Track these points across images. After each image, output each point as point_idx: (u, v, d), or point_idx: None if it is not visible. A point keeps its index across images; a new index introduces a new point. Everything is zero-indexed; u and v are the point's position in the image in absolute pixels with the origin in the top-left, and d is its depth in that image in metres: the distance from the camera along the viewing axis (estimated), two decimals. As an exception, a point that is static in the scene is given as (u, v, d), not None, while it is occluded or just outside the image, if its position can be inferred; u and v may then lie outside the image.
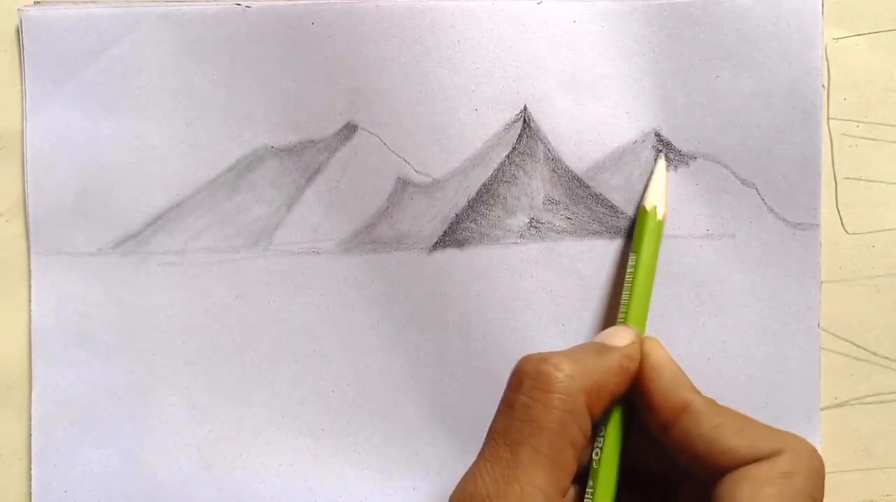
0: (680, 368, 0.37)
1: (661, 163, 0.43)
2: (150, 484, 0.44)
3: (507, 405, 0.35)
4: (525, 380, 0.35)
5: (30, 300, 0.44)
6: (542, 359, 0.35)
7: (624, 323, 0.41)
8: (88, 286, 0.44)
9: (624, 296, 0.41)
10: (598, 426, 0.37)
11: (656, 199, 0.43)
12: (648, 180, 0.44)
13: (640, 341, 0.38)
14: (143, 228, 0.44)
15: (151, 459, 0.44)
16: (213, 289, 0.44)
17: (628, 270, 0.42)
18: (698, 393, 0.36)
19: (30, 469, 0.44)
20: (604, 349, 0.37)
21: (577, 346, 0.37)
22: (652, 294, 0.42)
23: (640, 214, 0.43)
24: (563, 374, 0.34)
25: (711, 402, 0.36)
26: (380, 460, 0.44)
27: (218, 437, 0.44)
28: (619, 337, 0.37)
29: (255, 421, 0.44)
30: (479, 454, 0.35)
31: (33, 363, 0.44)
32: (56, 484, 0.44)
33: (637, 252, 0.42)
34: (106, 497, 0.44)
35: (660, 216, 0.42)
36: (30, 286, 0.44)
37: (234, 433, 0.44)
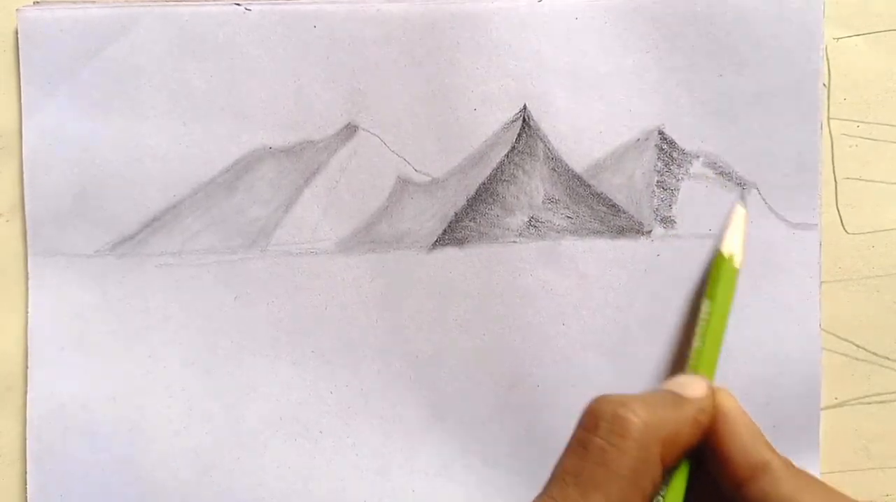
0: (755, 423, 0.36)
1: (741, 209, 0.43)
2: (147, 488, 0.44)
3: (580, 445, 0.34)
4: (601, 423, 0.34)
5: (26, 302, 0.44)
6: (621, 402, 0.34)
7: (695, 371, 0.40)
8: (85, 288, 0.44)
9: (696, 343, 0.41)
10: (664, 479, 0.36)
11: (735, 247, 0.42)
12: (726, 225, 0.43)
13: (713, 393, 0.37)
14: (140, 229, 0.44)
15: (149, 463, 0.44)
16: (210, 291, 0.44)
17: (702, 316, 0.42)
18: (776, 452, 0.35)
19: (26, 472, 0.44)
20: (679, 400, 0.36)
21: (652, 393, 0.36)
22: (723, 342, 0.41)
23: (716, 259, 0.43)
24: (642, 422, 0.33)
25: (790, 463, 0.35)
26: (379, 462, 0.44)
27: (215, 440, 0.44)
28: (693, 387, 0.36)
29: (253, 423, 0.44)
30: (545, 490, 0.34)
31: (29, 366, 0.44)
32: (52, 488, 0.44)
33: (713, 299, 0.41)
34: (103, 501, 0.44)
35: (737, 264, 0.42)
36: (27, 287, 0.44)
37: (231, 436, 0.44)
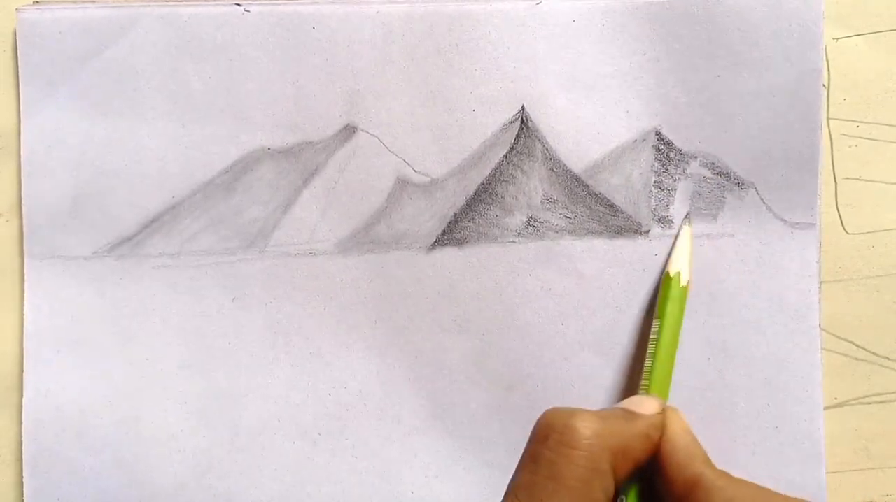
0: (695, 440, 0.37)
1: (686, 228, 0.44)
2: (144, 491, 0.44)
3: (531, 459, 0.34)
4: (551, 435, 0.34)
5: (23, 303, 0.44)
6: (571, 414, 0.34)
7: (647, 391, 0.40)
8: (82, 290, 0.44)
9: (647, 364, 0.41)
10: (618, 494, 0.36)
11: (681, 265, 0.43)
12: (673, 244, 0.44)
13: (664, 411, 0.37)
14: (138, 231, 0.44)
15: (146, 465, 0.44)
16: (208, 292, 0.44)
17: (651, 337, 0.42)
18: (712, 466, 0.36)
19: (23, 474, 0.44)
20: (631, 415, 0.36)
21: (604, 409, 0.37)
22: (675, 361, 0.41)
23: (663, 280, 0.43)
24: (591, 432, 0.34)
25: (725, 475, 0.35)
26: (378, 463, 0.44)
27: (213, 442, 0.44)
28: (645, 405, 0.37)
29: (251, 425, 0.44)
30: None
31: (25, 368, 0.44)
32: (49, 492, 0.44)
33: (661, 318, 0.42)
34: (100, 503, 0.44)
35: (683, 282, 0.42)
36: (23, 290, 0.44)
37: (229, 438, 0.44)
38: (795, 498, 0.35)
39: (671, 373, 0.41)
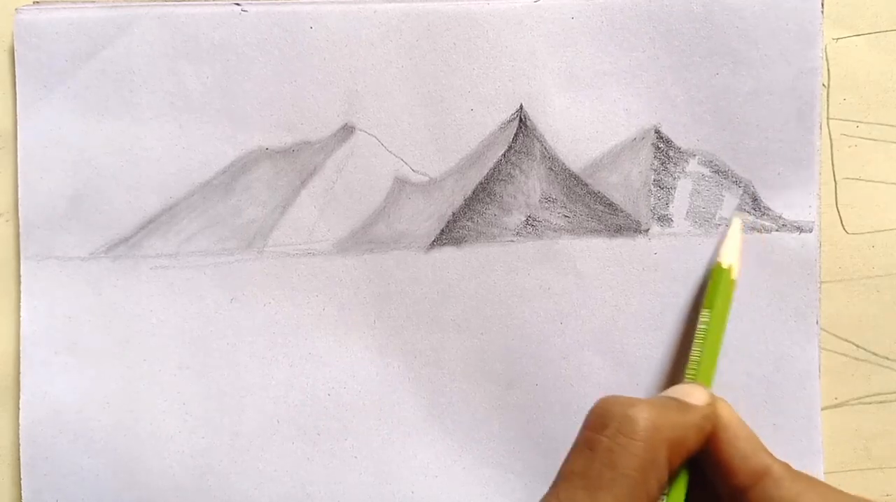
0: (753, 432, 0.37)
1: (738, 221, 0.44)
2: (143, 493, 0.44)
3: (587, 446, 0.34)
4: (610, 423, 0.34)
5: (19, 304, 0.44)
6: (630, 403, 0.34)
7: (694, 380, 0.40)
8: (79, 291, 0.44)
9: (695, 353, 0.41)
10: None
11: (733, 258, 0.43)
12: (723, 236, 0.44)
13: (714, 401, 0.37)
14: (135, 232, 0.44)
15: (144, 467, 0.44)
16: (206, 293, 0.44)
17: (700, 326, 0.42)
18: (775, 457, 0.36)
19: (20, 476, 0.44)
20: (684, 406, 0.36)
21: (657, 398, 0.37)
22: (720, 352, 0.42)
23: (714, 270, 0.43)
24: (650, 423, 0.34)
25: (789, 468, 0.35)
26: (377, 463, 0.44)
27: (212, 443, 0.44)
28: (696, 395, 0.37)
29: (250, 426, 0.44)
30: (552, 491, 0.34)
31: (22, 370, 0.44)
32: (47, 494, 0.44)
33: (711, 308, 0.42)
34: (98, 504, 0.44)
35: (735, 275, 0.42)
36: (20, 291, 0.44)
37: (228, 439, 0.44)
38: (863, 498, 0.35)
39: (716, 363, 0.41)
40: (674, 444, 0.34)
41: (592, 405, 0.35)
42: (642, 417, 0.34)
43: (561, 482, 0.34)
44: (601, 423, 0.34)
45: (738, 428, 0.36)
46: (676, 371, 0.44)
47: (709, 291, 0.42)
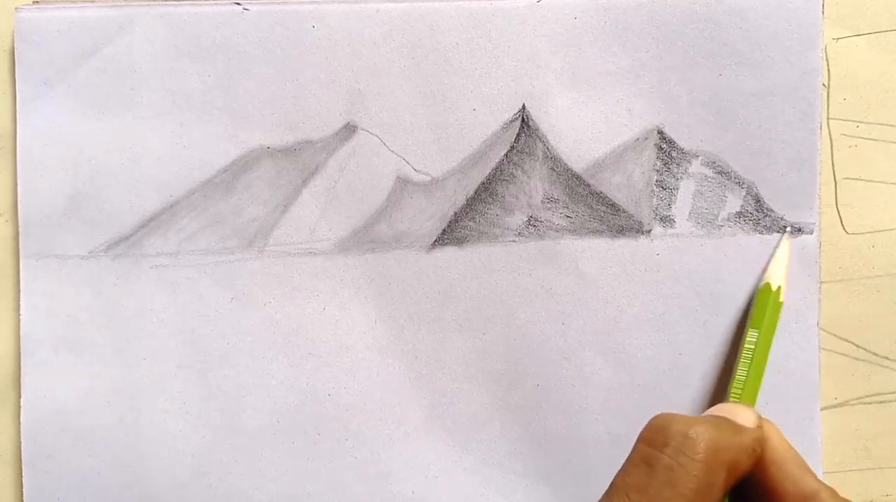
0: (800, 454, 0.36)
1: (787, 242, 0.44)
2: (143, 492, 0.44)
3: (645, 462, 0.33)
4: (671, 441, 0.33)
5: (19, 303, 0.44)
6: (690, 422, 0.34)
7: (739, 400, 0.41)
8: (79, 290, 0.44)
9: (741, 373, 0.41)
10: None
11: (782, 279, 0.43)
12: (772, 256, 0.44)
13: (763, 424, 0.37)
14: (135, 230, 0.44)
15: (145, 466, 0.44)
16: (206, 292, 0.44)
17: (747, 346, 0.42)
18: (822, 481, 0.36)
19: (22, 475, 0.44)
20: (738, 427, 0.36)
21: (711, 418, 0.36)
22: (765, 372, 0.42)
23: (762, 290, 0.43)
24: (710, 444, 0.33)
25: (835, 493, 0.35)
26: (377, 463, 0.44)
27: (212, 443, 0.44)
28: (746, 416, 0.36)
29: (251, 425, 0.44)
30: (606, 501, 0.33)
31: (23, 369, 0.43)
32: (48, 493, 0.44)
33: (758, 329, 0.42)
34: (99, 503, 0.44)
35: (783, 297, 0.43)
36: (19, 289, 0.44)
37: (228, 438, 0.44)
38: None
39: (761, 383, 0.41)
40: (730, 467, 0.34)
41: (650, 420, 0.35)
42: (704, 438, 0.33)
43: (616, 494, 0.33)
44: (661, 440, 0.33)
45: (786, 452, 0.36)
46: (719, 388, 0.44)
47: (756, 311, 0.43)
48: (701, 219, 0.44)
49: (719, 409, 0.37)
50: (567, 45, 0.43)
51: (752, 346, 0.42)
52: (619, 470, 0.34)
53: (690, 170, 0.44)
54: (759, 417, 0.37)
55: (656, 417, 0.34)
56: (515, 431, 0.44)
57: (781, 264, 0.43)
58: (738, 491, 0.36)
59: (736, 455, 0.34)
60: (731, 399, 0.41)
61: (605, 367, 0.44)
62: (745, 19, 0.43)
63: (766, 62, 0.43)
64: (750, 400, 0.41)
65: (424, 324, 0.44)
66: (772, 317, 0.42)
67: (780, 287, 0.43)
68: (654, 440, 0.34)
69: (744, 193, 0.44)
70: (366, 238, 0.44)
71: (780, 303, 0.43)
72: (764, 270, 0.44)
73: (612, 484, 0.34)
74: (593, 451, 0.44)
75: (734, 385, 0.41)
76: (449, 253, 0.44)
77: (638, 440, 0.34)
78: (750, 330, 0.42)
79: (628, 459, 0.34)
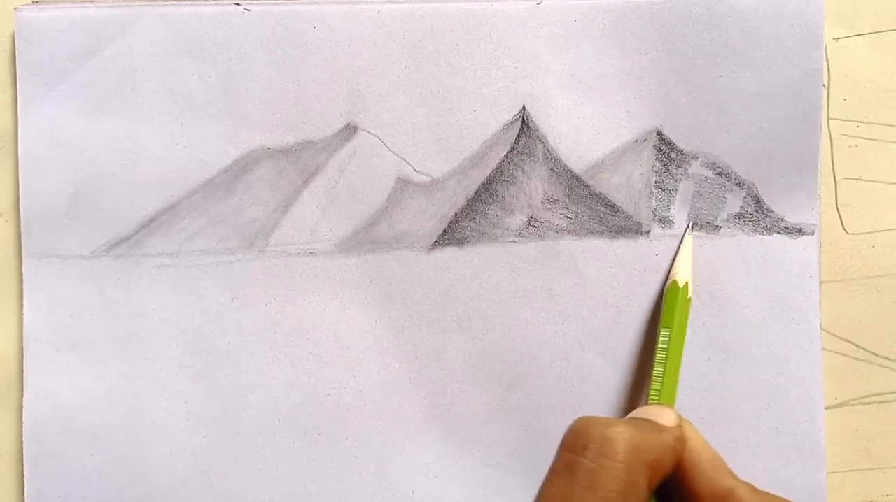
0: (717, 452, 0.36)
1: (689, 237, 0.44)
2: (145, 491, 0.44)
3: (567, 468, 0.33)
4: (590, 445, 0.33)
5: (22, 303, 0.44)
6: (608, 424, 0.34)
7: (658, 401, 0.41)
8: (81, 289, 0.44)
9: (657, 373, 0.41)
10: None
11: (688, 275, 0.43)
12: (677, 252, 0.44)
13: (682, 423, 0.37)
14: (136, 230, 0.44)
15: (146, 465, 0.44)
16: (207, 292, 0.44)
17: (660, 346, 0.42)
18: (739, 478, 0.35)
19: (24, 474, 0.44)
20: (658, 427, 0.35)
21: (631, 419, 0.36)
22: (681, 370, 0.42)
23: (670, 289, 0.43)
24: (631, 444, 0.33)
25: (754, 488, 0.35)
26: (378, 463, 0.44)
27: (213, 442, 0.44)
28: (666, 416, 0.36)
29: (251, 425, 0.44)
30: None
31: (25, 369, 0.43)
32: (50, 492, 0.44)
33: (670, 327, 0.42)
34: (101, 502, 0.44)
35: (690, 293, 0.43)
36: (22, 289, 0.44)
37: (229, 438, 0.44)
38: None
39: (678, 381, 0.41)
40: (653, 466, 0.34)
41: (569, 425, 0.34)
42: (623, 438, 0.33)
43: None
44: (581, 444, 0.33)
45: (702, 450, 0.36)
46: (637, 399, 0.44)
47: (665, 310, 0.43)
48: (700, 221, 0.44)
49: (640, 411, 0.37)
50: (567, 47, 0.43)
51: (665, 346, 0.41)
52: (544, 480, 0.33)
53: (690, 172, 0.44)
54: (679, 416, 0.37)
55: (576, 421, 0.34)
56: (515, 431, 0.44)
57: (687, 260, 0.43)
58: (663, 493, 0.36)
59: (658, 454, 0.34)
60: (650, 401, 0.41)
61: (604, 367, 0.44)
62: (745, 20, 0.43)
63: (768, 63, 0.43)
64: (669, 400, 0.41)
65: (425, 324, 0.44)
66: (682, 314, 0.42)
67: (686, 283, 0.42)
68: (575, 444, 0.33)
69: (744, 194, 0.44)
70: (366, 238, 0.44)
71: (689, 300, 0.43)
72: (669, 268, 0.44)
73: (538, 494, 0.33)
74: (593, 451, 0.44)
75: (652, 387, 0.41)
76: (449, 253, 0.44)
77: (560, 447, 0.34)
78: (662, 329, 0.42)
79: (551, 468, 0.33)
